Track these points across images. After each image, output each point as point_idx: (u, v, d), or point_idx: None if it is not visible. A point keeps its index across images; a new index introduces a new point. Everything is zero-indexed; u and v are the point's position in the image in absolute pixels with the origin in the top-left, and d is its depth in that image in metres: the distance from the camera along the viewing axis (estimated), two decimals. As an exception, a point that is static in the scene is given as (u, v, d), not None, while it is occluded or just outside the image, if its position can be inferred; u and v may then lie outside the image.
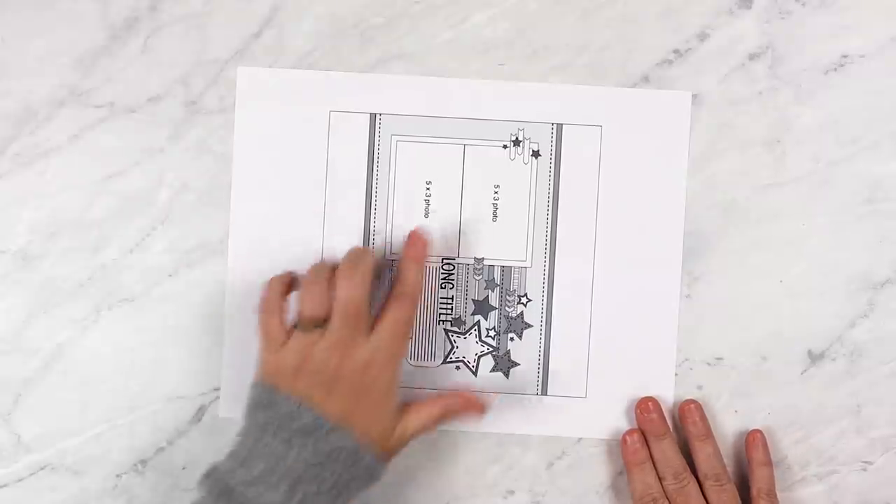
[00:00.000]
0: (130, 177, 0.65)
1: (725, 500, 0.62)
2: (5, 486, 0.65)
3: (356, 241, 0.65)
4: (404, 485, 0.66)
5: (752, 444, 0.64)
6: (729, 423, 0.65)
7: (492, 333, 0.65)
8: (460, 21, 0.65)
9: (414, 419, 0.60)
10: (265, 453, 0.55)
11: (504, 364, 0.65)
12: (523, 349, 0.66)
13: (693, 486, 0.63)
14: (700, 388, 0.66)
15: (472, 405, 0.62)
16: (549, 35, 0.65)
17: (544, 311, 0.65)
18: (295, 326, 0.59)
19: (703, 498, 0.62)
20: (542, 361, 0.65)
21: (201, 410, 0.66)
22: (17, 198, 0.65)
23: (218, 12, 0.65)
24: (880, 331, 0.65)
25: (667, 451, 0.63)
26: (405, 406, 0.61)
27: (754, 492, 0.63)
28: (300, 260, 0.65)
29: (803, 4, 0.65)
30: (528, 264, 0.65)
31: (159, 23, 0.65)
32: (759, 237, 0.65)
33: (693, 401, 0.65)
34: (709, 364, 0.66)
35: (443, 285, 0.65)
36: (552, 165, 0.65)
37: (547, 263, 0.65)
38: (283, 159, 0.65)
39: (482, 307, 0.65)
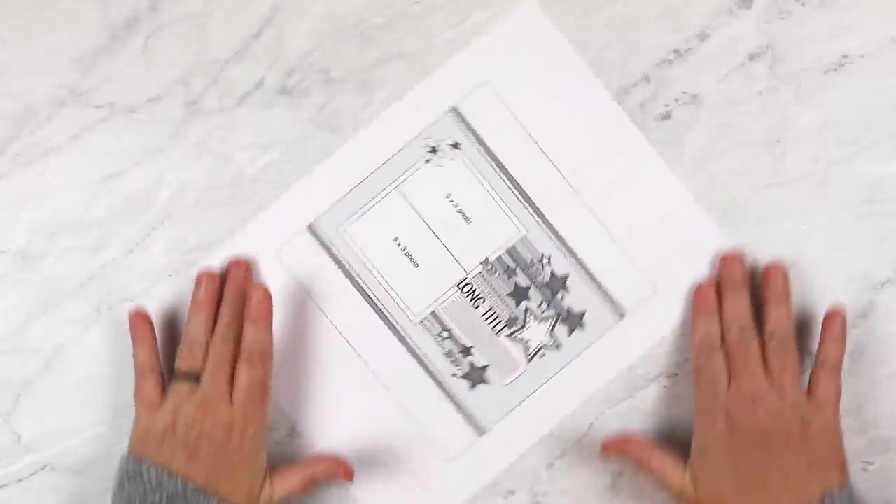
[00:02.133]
0: (130, 177, 0.65)
1: (787, 364, 0.60)
2: (5, 486, 0.65)
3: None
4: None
5: (832, 320, 0.62)
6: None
7: (544, 306, 0.65)
8: (460, 21, 0.65)
9: (279, 485, 0.61)
10: None
11: (574, 321, 0.65)
12: (578, 295, 0.65)
13: (756, 345, 0.61)
14: (700, 388, 0.66)
15: (338, 469, 0.62)
16: (549, 35, 0.65)
17: (567, 253, 0.65)
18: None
19: (762, 360, 0.61)
20: (599, 292, 0.65)
21: (201, 410, 0.66)
22: (17, 198, 0.65)
23: (218, 12, 0.65)
24: (880, 331, 0.65)
25: (739, 306, 0.62)
26: (273, 471, 0.61)
27: (818, 364, 0.61)
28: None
29: (803, 4, 0.65)
30: (523, 231, 0.65)
31: (159, 23, 0.65)
32: (759, 237, 0.65)
33: (780, 264, 0.63)
34: (709, 364, 0.66)
35: (476, 305, 0.65)
36: (477, 143, 0.65)
37: (539, 218, 0.65)
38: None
39: (519, 294, 0.65)
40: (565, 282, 0.65)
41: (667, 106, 0.65)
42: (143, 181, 0.65)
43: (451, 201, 0.65)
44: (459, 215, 0.65)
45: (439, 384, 0.65)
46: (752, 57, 0.65)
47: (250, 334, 0.61)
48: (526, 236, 0.65)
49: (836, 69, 0.65)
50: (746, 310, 0.62)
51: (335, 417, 0.65)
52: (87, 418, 0.66)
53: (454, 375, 0.65)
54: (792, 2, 0.65)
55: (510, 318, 0.65)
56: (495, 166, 0.65)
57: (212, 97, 0.65)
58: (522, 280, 0.65)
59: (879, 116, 0.65)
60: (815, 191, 0.65)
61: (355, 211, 0.65)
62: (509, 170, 0.65)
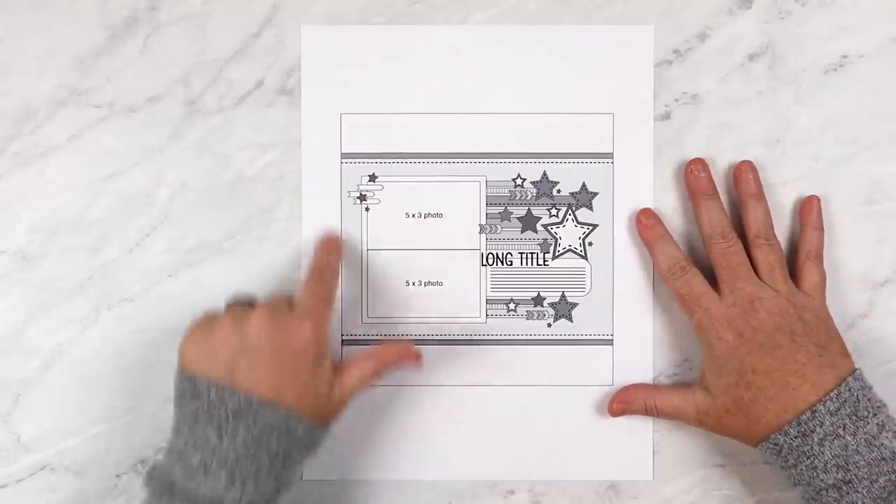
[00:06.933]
0: (130, 177, 0.65)
1: (773, 260, 0.61)
2: (5, 486, 0.65)
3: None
4: (407, 484, 0.66)
5: (808, 207, 0.64)
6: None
7: (553, 210, 0.65)
8: (460, 21, 0.65)
9: (349, 379, 0.60)
10: (200, 443, 0.55)
11: (585, 199, 0.65)
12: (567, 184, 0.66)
13: (741, 247, 0.62)
14: (700, 388, 0.66)
15: (407, 355, 0.62)
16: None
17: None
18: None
19: (748, 259, 0.61)
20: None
21: (201, 410, 0.66)
22: (17, 198, 0.65)
23: (218, 12, 0.65)
24: (880, 331, 0.65)
25: (714, 211, 0.62)
26: (339, 368, 0.60)
27: (803, 255, 0.63)
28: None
29: (803, 4, 0.65)
30: (480, 180, 0.65)
31: (159, 23, 0.65)
32: (759, 237, 0.65)
33: (748, 161, 0.64)
34: (709, 364, 0.66)
35: (509, 262, 0.65)
36: None
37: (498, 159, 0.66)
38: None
39: (527, 222, 0.65)
40: (553, 186, 0.65)
41: (667, 106, 0.65)
42: (143, 181, 0.65)
43: (440, 217, 0.66)
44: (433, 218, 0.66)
45: (547, 342, 0.66)
46: (752, 57, 0.65)
47: (320, 257, 0.62)
48: (485, 180, 0.65)
49: (836, 69, 0.65)
50: (722, 213, 0.63)
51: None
52: (87, 418, 0.65)
53: (549, 325, 0.65)
54: (792, 2, 0.65)
55: (542, 243, 0.65)
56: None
57: (211, 97, 0.65)
58: (518, 212, 0.65)
59: (879, 116, 0.65)
60: (814, 191, 0.65)
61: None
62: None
